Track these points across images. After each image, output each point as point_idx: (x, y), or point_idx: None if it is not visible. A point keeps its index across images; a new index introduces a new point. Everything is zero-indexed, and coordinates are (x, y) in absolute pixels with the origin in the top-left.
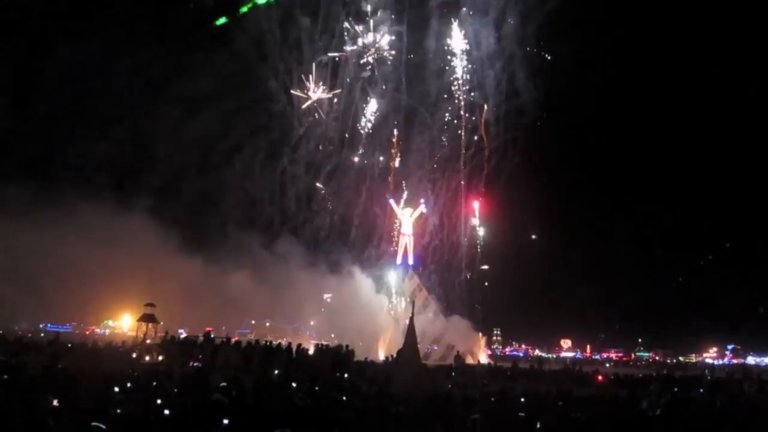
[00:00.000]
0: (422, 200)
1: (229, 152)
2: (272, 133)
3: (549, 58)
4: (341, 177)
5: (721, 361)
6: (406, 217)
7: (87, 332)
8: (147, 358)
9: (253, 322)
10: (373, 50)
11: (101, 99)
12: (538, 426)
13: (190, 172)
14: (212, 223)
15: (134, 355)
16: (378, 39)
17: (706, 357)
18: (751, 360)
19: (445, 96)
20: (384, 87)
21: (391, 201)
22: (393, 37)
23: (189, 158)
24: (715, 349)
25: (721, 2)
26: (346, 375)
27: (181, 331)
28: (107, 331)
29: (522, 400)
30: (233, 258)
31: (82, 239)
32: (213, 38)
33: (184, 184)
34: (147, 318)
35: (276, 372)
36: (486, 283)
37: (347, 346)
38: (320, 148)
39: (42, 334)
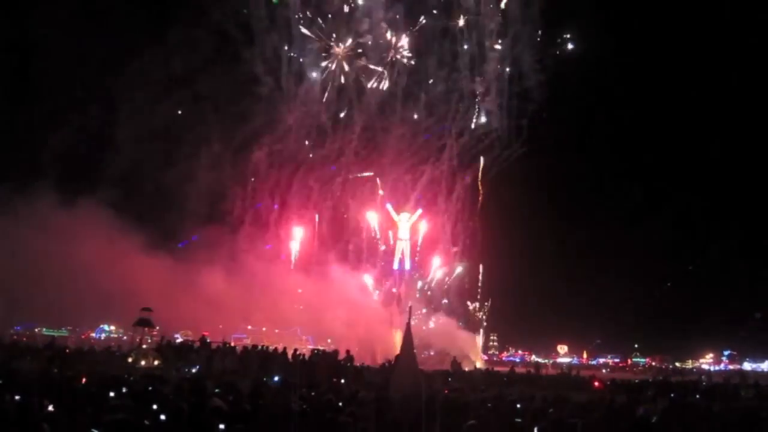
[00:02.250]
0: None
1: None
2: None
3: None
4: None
5: (717, 367)
6: (403, 222)
7: (83, 336)
8: (143, 362)
9: (249, 327)
10: (367, 36)
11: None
12: (536, 431)
13: (174, 170)
14: (206, 225)
15: (130, 360)
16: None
17: (702, 363)
18: (747, 366)
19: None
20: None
21: (388, 205)
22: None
23: (168, 152)
24: (711, 354)
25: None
26: (342, 380)
27: (177, 335)
28: (103, 336)
29: (518, 405)
30: (225, 261)
31: (76, 242)
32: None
33: (174, 183)
34: (143, 322)
35: (273, 377)
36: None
37: (348, 351)
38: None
39: (37, 338)
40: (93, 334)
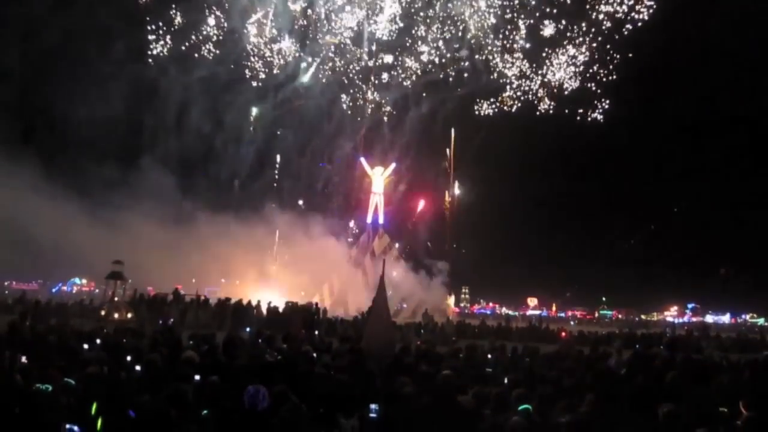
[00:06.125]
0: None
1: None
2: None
3: None
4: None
5: (681, 319)
6: (377, 176)
7: (53, 290)
8: (116, 315)
9: (223, 280)
10: None
11: None
12: (506, 381)
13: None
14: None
15: (103, 313)
16: None
17: (667, 315)
18: (709, 318)
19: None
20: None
21: (362, 159)
22: None
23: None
24: (675, 307)
25: None
26: (316, 332)
27: (150, 289)
28: (74, 289)
29: (489, 356)
30: (199, 213)
31: (44, 193)
32: None
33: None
34: (115, 275)
35: (247, 329)
36: (455, 243)
37: (316, 303)
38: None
39: (6, 292)
40: (65, 288)
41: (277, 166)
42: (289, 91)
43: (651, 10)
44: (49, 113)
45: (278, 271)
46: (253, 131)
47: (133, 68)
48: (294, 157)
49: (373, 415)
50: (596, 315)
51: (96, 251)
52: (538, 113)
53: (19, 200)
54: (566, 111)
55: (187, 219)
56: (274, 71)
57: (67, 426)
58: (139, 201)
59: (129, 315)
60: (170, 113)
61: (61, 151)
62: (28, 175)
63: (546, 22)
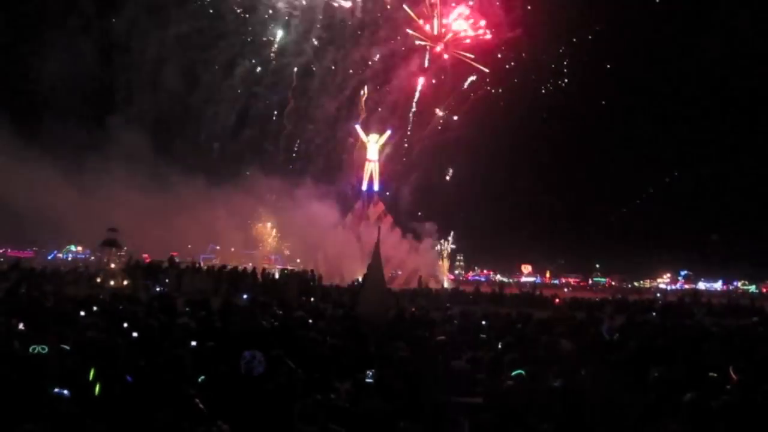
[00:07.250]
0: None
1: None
2: None
3: None
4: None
5: (674, 286)
6: (372, 143)
7: (49, 257)
8: (111, 282)
9: (218, 247)
10: None
11: None
12: (500, 346)
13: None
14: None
15: (98, 280)
16: None
17: (659, 282)
18: (702, 285)
19: None
20: None
21: (357, 126)
22: None
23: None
24: (668, 274)
25: None
26: (312, 299)
27: (145, 256)
28: (70, 256)
29: (483, 322)
30: (194, 180)
31: (39, 161)
32: None
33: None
34: (109, 243)
35: (243, 296)
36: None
37: (312, 271)
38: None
39: (1, 259)
40: (60, 255)
41: (278, 127)
42: (271, 49)
43: None
44: (28, 77)
45: (273, 239)
46: (239, 91)
47: (104, 27)
48: (281, 119)
49: (369, 380)
50: (590, 282)
51: (90, 218)
52: (532, 80)
53: (7, 167)
54: (562, 81)
55: (182, 186)
56: (256, 28)
57: (56, 390)
58: (132, 168)
59: (125, 282)
60: (145, 73)
61: (45, 116)
62: (14, 142)
63: None
